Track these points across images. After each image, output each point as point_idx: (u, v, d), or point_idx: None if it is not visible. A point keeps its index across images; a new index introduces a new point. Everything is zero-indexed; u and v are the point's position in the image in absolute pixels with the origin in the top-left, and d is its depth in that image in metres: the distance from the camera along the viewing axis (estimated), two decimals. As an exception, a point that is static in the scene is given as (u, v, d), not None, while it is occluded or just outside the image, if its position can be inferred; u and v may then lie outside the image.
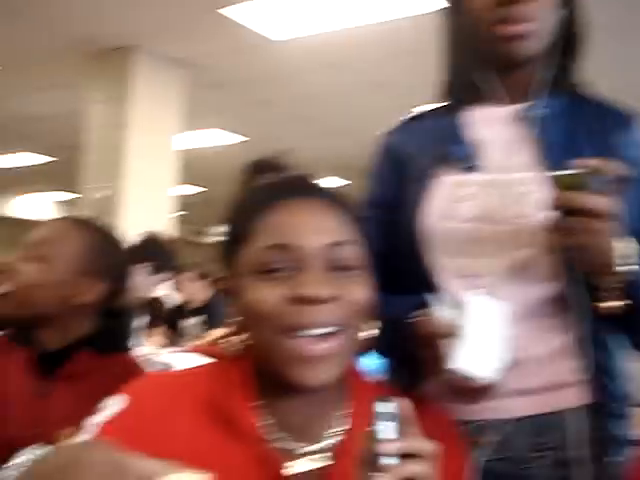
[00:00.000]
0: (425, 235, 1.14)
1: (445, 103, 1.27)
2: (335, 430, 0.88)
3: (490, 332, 0.97)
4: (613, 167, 0.93)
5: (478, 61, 1.19)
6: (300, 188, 0.90)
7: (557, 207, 0.94)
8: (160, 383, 0.90)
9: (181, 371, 0.96)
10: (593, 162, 0.92)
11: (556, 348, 1.10)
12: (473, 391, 1.01)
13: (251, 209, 0.88)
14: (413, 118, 1.31)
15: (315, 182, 0.93)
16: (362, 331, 0.90)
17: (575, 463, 1.06)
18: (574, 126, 1.16)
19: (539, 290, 1.10)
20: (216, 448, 0.83)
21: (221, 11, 4.00)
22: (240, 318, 0.88)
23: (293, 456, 0.85)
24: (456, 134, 1.19)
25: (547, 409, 1.08)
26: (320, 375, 0.81)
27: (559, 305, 1.10)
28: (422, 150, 1.20)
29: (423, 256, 1.15)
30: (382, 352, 1.23)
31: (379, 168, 1.28)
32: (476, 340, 0.96)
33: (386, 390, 0.89)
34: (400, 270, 1.17)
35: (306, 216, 0.86)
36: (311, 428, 0.88)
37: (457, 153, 1.16)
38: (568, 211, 0.92)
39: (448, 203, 1.14)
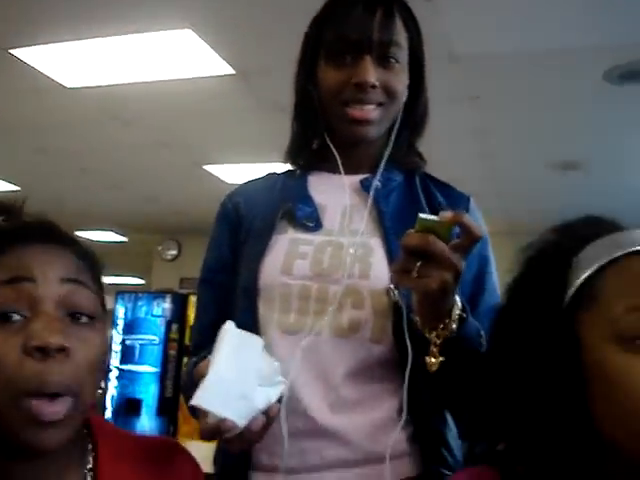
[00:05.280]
0: (261, 289, 1.14)
1: (290, 167, 1.31)
2: None
3: (241, 367, 0.90)
4: (473, 224, 0.94)
5: (323, 131, 1.22)
6: (40, 234, 0.86)
7: (413, 248, 0.92)
8: None
9: None
10: (458, 215, 0.92)
11: (385, 415, 1.08)
12: (221, 434, 0.89)
13: None
14: (254, 180, 1.33)
15: (56, 230, 0.89)
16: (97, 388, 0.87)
17: None
18: (412, 198, 1.21)
19: (367, 352, 1.10)
20: None
21: (12, 51, 3.88)
22: None
23: None
24: (302, 194, 1.22)
25: None
26: (51, 439, 0.77)
27: (389, 369, 1.10)
28: (266, 207, 1.22)
29: (256, 311, 1.14)
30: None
31: (216, 230, 1.28)
32: (222, 375, 0.88)
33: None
34: None
35: (42, 256, 0.83)
36: None
37: (301, 211, 1.19)
38: (420, 255, 0.92)
39: (285, 259, 1.14)
